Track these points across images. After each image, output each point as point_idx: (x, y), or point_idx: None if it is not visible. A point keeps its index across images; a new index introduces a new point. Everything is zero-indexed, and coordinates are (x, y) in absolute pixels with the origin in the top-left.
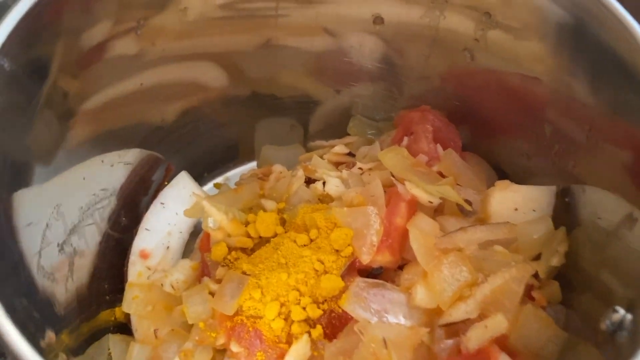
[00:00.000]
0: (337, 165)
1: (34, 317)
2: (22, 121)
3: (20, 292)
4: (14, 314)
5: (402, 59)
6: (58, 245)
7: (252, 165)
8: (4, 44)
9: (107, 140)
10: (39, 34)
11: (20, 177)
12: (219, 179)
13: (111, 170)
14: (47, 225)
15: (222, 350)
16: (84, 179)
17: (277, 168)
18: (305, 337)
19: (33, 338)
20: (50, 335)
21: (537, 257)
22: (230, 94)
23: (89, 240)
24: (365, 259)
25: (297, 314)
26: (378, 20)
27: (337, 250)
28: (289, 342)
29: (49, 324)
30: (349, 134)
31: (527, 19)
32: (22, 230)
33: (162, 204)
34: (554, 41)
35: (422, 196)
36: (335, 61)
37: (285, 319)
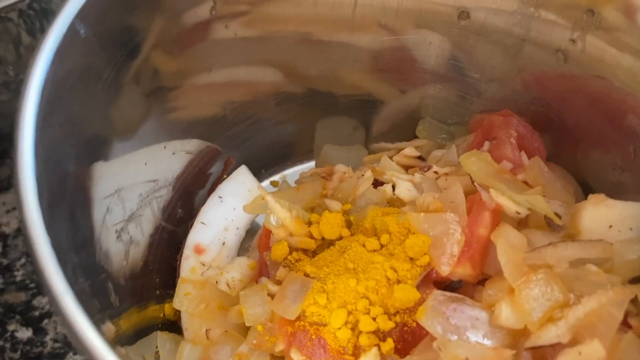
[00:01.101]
0: (405, 168)
1: (94, 303)
2: (107, 92)
3: (82, 273)
4: (79, 298)
5: (483, 58)
6: (116, 232)
7: (310, 164)
8: (82, 8)
9: (174, 127)
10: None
11: (100, 151)
12: (275, 177)
13: (172, 159)
14: (107, 209)
15: (280, 358)
16: (145, 164)
17: (341, 168)
18: (375, 350)
19: (96, 327)
20: (109, 326)
21: (634, 281)
22: (286, 91)
23: (145, 229)
24: (445, 270)
25: (366, 325)
26: (463, 15)
27: (411, 259)
28: (356, 355)
29: (106, 313)
30: (416, 137)
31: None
32: (94, 203)
33: (219, 197)
34: None
35: (509, 206)
36: (400, 60)
37: (353, 329)
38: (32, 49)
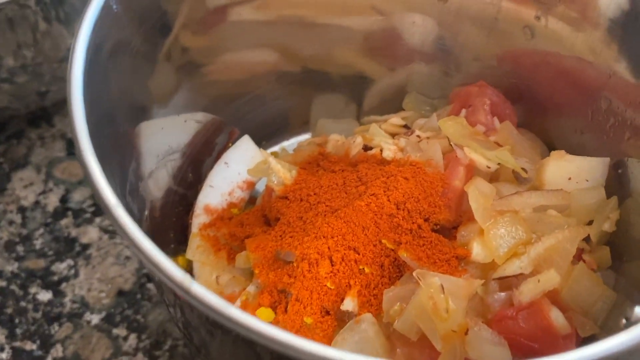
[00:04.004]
0: (392, 135)
1: None
2: (147, 67)
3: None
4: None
5: (461, 37)
6: (140, 184)
7: (306, 137)
8: None
9: (188, 99)
10: None
11: (130, 115)
12: (275, 148)
13: (183, 126)
14: (136, 163)
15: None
16: (162, 128)
17: (335, 137)
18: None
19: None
20: None
21: (589, 224)
22: (283, 69)
23: (161, 188)
24: None
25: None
26: None
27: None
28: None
29: None
30: (403, 110)
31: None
32: (126, 158)
33: (225, 163)
34: (605, 28)
35: (481, 161)
36: (390, 40)
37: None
38: (49, 35)
